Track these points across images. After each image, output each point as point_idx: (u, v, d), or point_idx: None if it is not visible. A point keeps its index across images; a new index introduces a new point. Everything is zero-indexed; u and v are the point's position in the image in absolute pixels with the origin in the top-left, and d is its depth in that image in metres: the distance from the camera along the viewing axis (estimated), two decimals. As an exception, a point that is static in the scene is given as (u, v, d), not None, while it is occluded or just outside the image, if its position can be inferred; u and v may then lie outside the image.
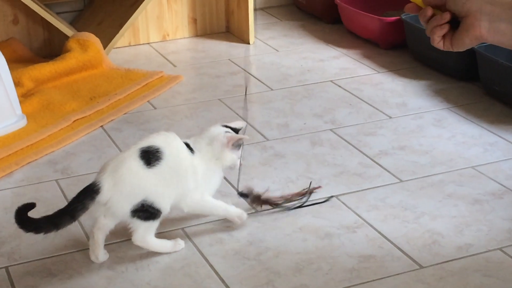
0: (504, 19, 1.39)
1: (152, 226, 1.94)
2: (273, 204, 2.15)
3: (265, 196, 2.14)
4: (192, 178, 1.97)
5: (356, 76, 3.07)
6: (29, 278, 1.88)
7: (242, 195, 2.13)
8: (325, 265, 1.93)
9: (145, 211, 1.90)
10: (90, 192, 1.86)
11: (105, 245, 1.98)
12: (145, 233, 1.93)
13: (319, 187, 2.25)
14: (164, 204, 1.93)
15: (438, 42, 1.46)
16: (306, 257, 1.96)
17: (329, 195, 2.22)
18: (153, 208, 1.91)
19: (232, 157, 2.03)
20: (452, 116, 2.70)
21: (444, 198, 2.20)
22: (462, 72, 2.96)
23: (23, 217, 1.83)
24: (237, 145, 2.04)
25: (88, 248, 1.96)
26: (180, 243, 2.01)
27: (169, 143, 1.96)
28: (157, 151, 1.92)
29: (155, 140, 1.95)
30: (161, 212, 1.93)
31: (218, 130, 2.05)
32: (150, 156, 1.91)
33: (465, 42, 1.44)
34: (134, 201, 1.89)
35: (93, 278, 1.88)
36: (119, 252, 1.98)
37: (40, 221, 1.83)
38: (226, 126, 2.08)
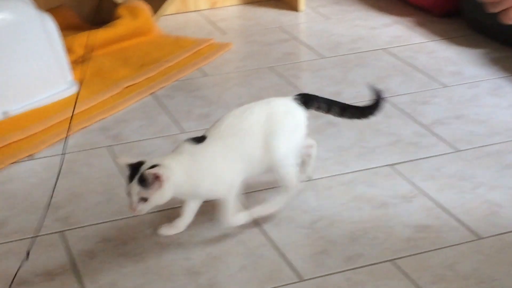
0: None
1: None
2: None
3: None
4: None
5: (409, 44, 3.01)
6: (85, 242, 1.89)
7: None
8: (381, 235, 1.90)
9: None
10: None
11: (159, 211, 1.98)
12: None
13: None
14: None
15: None
16: (362, 226, 1.93)
17: (384, 164, 2.19)
18: None
19: None
20: (510, 85, 2.64)
21: (503, 169, 2.16)
22: (519, 40, 2.88)
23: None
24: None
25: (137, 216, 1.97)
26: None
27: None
28: None
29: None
30: None
31: None
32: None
33: None
34: None
35: (147, 244, 1.88)
36: (173, 219, 1.97)
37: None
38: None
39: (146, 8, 3.09)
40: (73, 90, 2.61)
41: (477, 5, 2.99)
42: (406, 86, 2.66)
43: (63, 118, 2.46)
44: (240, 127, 1.87)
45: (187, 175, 1.80)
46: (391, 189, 2.08)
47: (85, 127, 2.45)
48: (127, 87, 2.68)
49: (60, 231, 1.93)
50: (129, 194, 1.76)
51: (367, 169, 2.18)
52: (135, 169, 1.76)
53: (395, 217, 1.97)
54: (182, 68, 2.83)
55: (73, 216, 1.99)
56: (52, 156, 2.28)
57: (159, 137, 2.39)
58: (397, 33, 3.12)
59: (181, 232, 1.92)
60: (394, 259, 1.81)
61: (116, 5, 3.15)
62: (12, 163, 2.24)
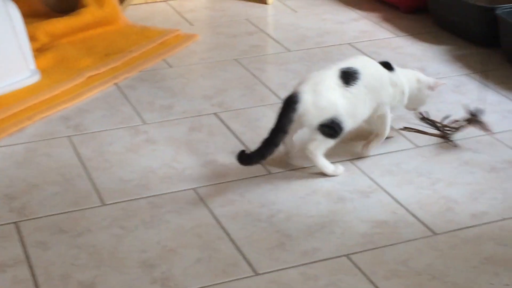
0: None
1: (329, 143, 2.10)
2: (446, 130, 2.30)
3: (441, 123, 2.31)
4: (387, 92, 2.18)
5: (375, 40, 3.02)
6: (39, 233, 1.87)
7: (424, 119, 2.30)
8: (337, 229, 1.90)
9: (331, 128, 2.08)
10: (291, 104, 2.05)
11: (115, 203, 1.98)
12: (319, 146, 2.10)
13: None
14: (349, 126, 2.12)
15: None
16: (319, 221, 1.94)
17: (344, 159, 2.20)
18: (339, 127, 2.09)
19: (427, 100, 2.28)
20: (471, 83, 2.66)
21: (460, 165, 2.17)
22: (483, 38, 2.90)
23: (243, 156, 2.04)
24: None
25: (97, 206, 1.96)
26: (340, 169, 2.14)
27: (367, 66, 2.16)
28: (355, 73, 2.12)
29: (355, 62, 2.16)
30: (343, 133, 2.11)
31: (420, 75, 2.28)
32: (348, 77, 2.11)
33: None
34: (324, 115, 2.07)
35: (102, 236, 1.87)
36: (129, 210, 1.96)
37: (258, 152, 2.04)
38: None
39: (113, -3, 3.07)
40: (35, 78, 2.59)
41: (443, 2, 3.00)
42: (369, 81, 2.66)
43: (23, 107, 2.44)
44: None
45: None
46: (349, 183, 2.09)
47: (46, 116, 2.43)
48: (90, 76, 2.66)
49: (14, 222, 1.91)
50: None
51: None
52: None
53: (352, 211, 1.97)
54: (147, 59, 2.82)
55: (28, 207, 1.97)
56: (11, 145, 2.26)
57: (120, 127, 2.38)
58: (364, 28, 3.13)
59: (136, 224, 1.91)
60: (350, 254, 1.82)
61: (82, -7, 3.12)
62: (-30, 151, 2.22)
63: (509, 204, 2.00)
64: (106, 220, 1.92)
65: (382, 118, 2.20)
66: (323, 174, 2.12)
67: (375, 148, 2.22)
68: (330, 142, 2.11)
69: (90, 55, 2.80)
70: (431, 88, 2.26)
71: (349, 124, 2.12)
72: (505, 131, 2.35)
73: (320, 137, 2.10)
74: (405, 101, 2.24)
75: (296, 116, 2.05)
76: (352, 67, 2.13)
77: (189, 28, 3.13)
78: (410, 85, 2.24)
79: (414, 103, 2.28)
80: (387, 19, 3.20)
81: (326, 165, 2.12)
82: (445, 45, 2.95)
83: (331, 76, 2.12)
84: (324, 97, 2.08)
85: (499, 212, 1.97)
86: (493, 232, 1.89)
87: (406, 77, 2.24)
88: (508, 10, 2.77)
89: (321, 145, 2.10)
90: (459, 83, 2.65)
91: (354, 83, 2.11)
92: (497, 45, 2.85)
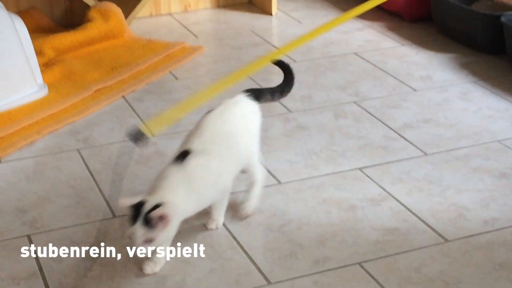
0: None
1: None
2: None
3: None
4: None
5: (380, 49, 3.02)
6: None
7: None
8: (349, 238, 1.91)
9: None
10: None
11: (125, 215, 1.98)
12: None
13: None
14: None
15: None
16: (330, 229, 1.94)
17: (354, 167, 2.20)
18: None
19: None
20: (478, 90, 2.66)
21: (470, 172, 2.17)
22: (488, 45, 2.91)
23: None
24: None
25: (108, 218, 1.96)
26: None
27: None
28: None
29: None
30: None
31: None
32: None
33: None
34: None
35: (115, 247, 1.86)
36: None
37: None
38: None
39: (118, 11, 3.08)
40: (43, 93, 2.60)
41: (447, 10, 3.01)
42: (376, 90, 2.67)
43: (32, 121, 2.44)
44: (222, 132, 1.87)
45: (191, 200, 1.78)
46: (360, 192, 2.09)
47: (55, 130, 2.43)
48: (97, 90, 2.66)
49: (26, 235, 1.92)
50: (131, 236, 1.69)
51: (336, 172, 2.19)
52: (137, 209, 1.69)
53: (363, 220, 1.98)
54: (153, 71, 2.83)
55: (40, 220, 1.98)
56: (21, 159, 2.27)
57: (128, 140, 2.37)
58: (369, 37, 3.14)
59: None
60: (362, 262, 1.82)
61: (88, 7, 3.13)
62: (-20, 166, 2.23)
63: (520, 210, 2.00)
64: (117, 232, 1.93)
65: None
66: (333, 184, 2.12)
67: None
68: None
69: (97, 69, 2.80)
70: None
71: None
72: (513, 137, 2.36)
73: None
74: None
75: None
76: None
77: (194, 40, 3.14)
78: None
79: None
80: (391, 28, 3.21)
81: None
82: (450, 53, 2.96)
83: None
84: None
85: (510, 218, 1.97)
86: (505, 238, 1.89)
87: None
88: (513, 17, 2.77)
89: None
90: (466, 90, 2.66)
91: None
92: (502, 52, 2.85)
